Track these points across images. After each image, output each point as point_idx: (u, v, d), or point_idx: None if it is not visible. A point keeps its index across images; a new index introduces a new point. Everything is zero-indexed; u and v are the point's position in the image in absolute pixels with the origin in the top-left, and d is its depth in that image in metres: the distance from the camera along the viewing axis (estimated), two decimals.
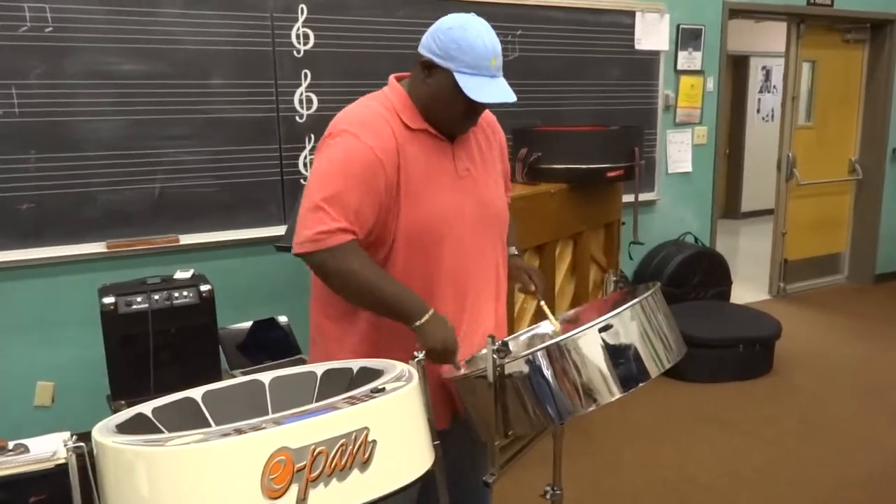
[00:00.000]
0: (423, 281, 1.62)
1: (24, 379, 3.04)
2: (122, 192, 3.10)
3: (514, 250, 1.91)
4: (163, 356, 2.49)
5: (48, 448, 2.12)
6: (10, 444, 2.15)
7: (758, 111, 9.01)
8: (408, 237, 1.59)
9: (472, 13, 1.60)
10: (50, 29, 2.89)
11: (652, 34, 4.40)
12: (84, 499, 1.08)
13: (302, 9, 3.33)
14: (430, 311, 1.57)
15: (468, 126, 1.67)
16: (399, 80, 1.68)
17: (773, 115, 8.84)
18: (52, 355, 3.08)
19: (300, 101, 3.39)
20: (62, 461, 1.82)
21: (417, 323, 1.56)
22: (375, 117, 1.58)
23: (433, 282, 1.64)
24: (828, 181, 5.76)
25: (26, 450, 2.14)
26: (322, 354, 1.73)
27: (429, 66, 1.58)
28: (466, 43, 1.53)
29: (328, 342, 1.73)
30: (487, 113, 1.78)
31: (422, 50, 1.59)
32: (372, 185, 1.53)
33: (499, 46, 1.58)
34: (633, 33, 4.34)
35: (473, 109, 1.60)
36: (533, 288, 1.84)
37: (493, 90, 1.55)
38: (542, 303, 1.81)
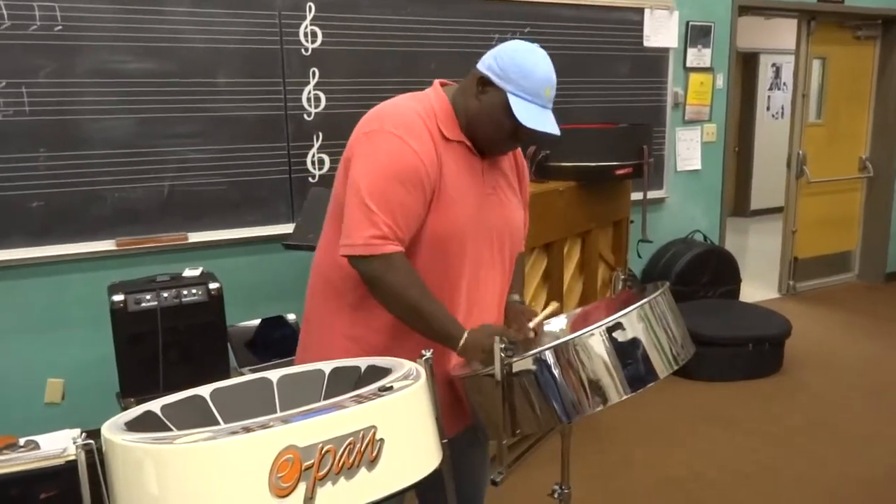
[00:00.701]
0: (435, 288, 1.61)
1: (34, 376, 3.06)
2: (131, 191, 3.11)
3: (517, 297, 1.86)
4: (172, 354, 2.50)
5: (58, 445, 2.13)
6: (21, 441, 2.17)
7: (767, 108, 8.97)
8: (430, 243, 1.58)
9: (536, 44, 1.62)
10: (59, 28, 2.90)
11: (661, 31, 4.39)
12: (93, 496, 1.09)
13: (310, 7, 3.33)
14: (466, 333, 1.55)
15: (509, 149, 1.68)
16: (443, 86, 1.68)
17: (782, 113, 8.79)
18: (62, 353, 3.10)
19: (308, 100, 3.40)
20: (72, 458, 1.83)
21: (459, 346, 1.55)
22: (418, 121, 1.56)
23: (444, 290, 1.62)
24: (838, 179, 5.72)
25: (37, 446, 2.16)
26: (318, 345, 1.70)
27: (485, 83, 1.58)
28: (527, 68, 1.55)
29: (325, 330, 1.70)
30: None
31: (481, 67, 1.60)
32: (417, 191, 1.52)
33: (554, 78, 1.60)
34: (641, 30, 4.33)
35: (517, 135, 1.60)
36: (532, 335, 1.74)
37: (542, 119, 1.56)
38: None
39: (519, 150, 1.81)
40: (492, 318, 1.73)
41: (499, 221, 1.68)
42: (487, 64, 1.59)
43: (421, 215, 1.55)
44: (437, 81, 1.69)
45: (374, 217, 1.49)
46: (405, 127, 1.54)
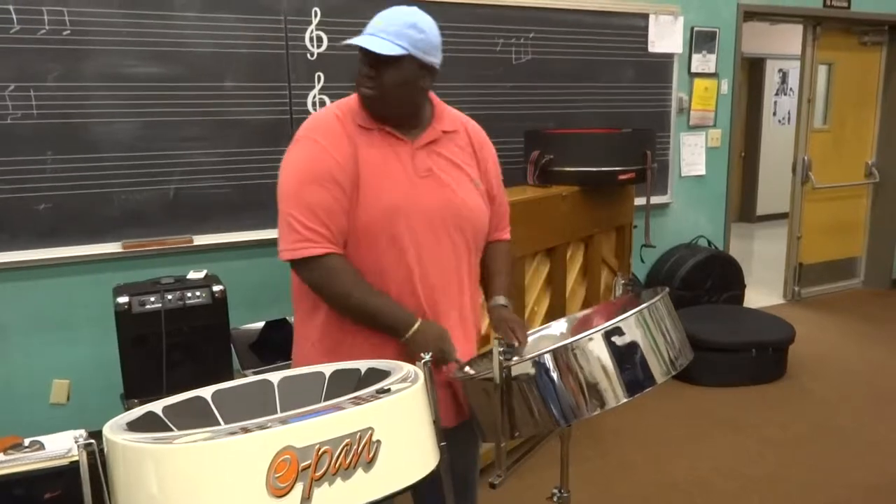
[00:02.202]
0: (377, 277, 1.64)
1: (40, 377, 3.08)
2: (137, 193, 3.13)
3: (502, 300, 1.81)
4: (175, 356, 2.51)
5: (63, 445, 2.15)
6: (26, 441, 2.19)
7: (774, 114, 8.96)
8: (363, 233, 1.61)
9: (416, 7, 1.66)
10: (68, 32, 2.93)
11: (666, 36, 4.39)
12: (95, 496, 1.10)
13: (315, 11, 3.36)
14: (418, 322, 1.61)
15: (365, 84, 1.62)
16: None
17: (789, 118, 8.78)
18: (68, 354, 3.12)
19: (313, 104, 3.42)
20: (76, 458, 1.85)
21: (407, 336, 1.61)
22: (331, 121, 1.65)
23: (387, 278, 1.64)
24: (844, 185, 5.71)
25: (42, 447, 2.17)
26: (300, 356, 1.78)
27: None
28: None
29: (300, 342, 1.78)
30: (472, 125, 1.82)
31: None
32: (333, 187, 1.58)
33: (395, 17, 1.60)
34: (646, 36, 4.33)
35: (362, 67, 1.62)
36: (517, 343, 1.71)
37: (356, 38, 1.60)
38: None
39: (474, 127, 1.82)
40: (452, 300, 1.73)
41: (436, 203, 1.67)
42: None
43: (345, 209, 1.60)
44: None
45: (294, 223, 1.58)
46: (317, 129, 1.64)
